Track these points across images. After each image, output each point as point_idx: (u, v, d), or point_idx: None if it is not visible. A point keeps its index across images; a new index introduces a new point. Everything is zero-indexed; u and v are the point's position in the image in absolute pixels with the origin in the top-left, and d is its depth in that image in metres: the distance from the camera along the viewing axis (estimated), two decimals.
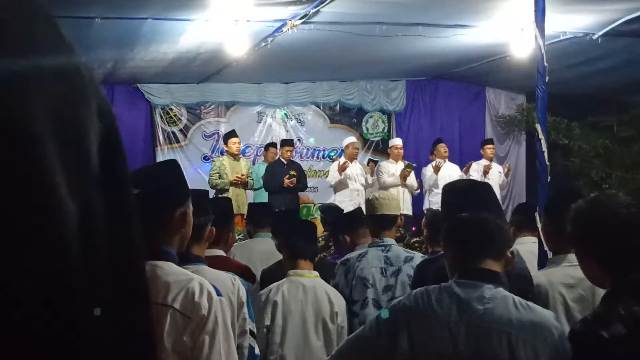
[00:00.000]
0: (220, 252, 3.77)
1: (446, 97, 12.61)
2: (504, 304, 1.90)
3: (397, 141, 10.80)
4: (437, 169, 10.15)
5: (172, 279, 2.19)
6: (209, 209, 3.07)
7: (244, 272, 3.91)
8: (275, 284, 3.76)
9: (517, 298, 1.93)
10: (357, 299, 4.00)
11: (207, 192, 3.39)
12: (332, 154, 12.06)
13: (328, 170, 10.65)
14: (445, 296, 1.99)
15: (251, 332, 3.02)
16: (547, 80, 4.37)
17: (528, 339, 1.84)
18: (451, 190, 2.11)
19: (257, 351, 3.06)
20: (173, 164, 2.43)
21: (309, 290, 3.76)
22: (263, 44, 8.41)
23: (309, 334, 3.73)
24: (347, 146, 10.26)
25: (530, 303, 1.93)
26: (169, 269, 2.21)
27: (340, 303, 3.83)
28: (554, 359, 1.85)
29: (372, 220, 4.21)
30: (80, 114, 0.57)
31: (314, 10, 7.13)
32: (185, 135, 11.68)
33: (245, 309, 2.98)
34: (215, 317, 2.17)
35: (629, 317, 1.85)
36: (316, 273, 3.85)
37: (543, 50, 4.35)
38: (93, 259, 0.56)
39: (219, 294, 2.24)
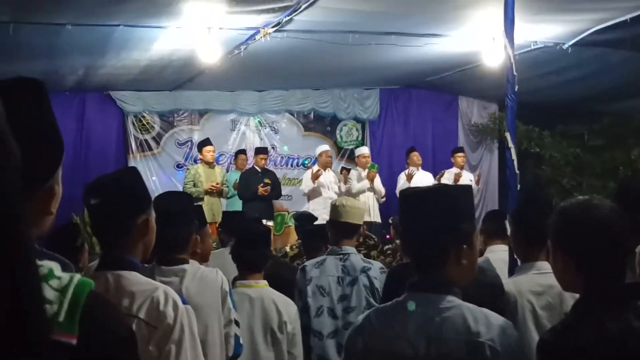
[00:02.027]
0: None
1: (419, 106, 12.67)
2: (460, 312, 1.88)
3: (364, 150, 10.84)
4: (409, 177, 10.20)
5: (137, 289, 2.17)
6: (193, 217, 3.06)
7: None
8: None
9: (471, 305, 1.91)
10: (312, 307, 4.00)
11: (190, 197, 3.24)
12: (307, 162, 12.06)
13: (302, 179, 10.64)
14: (400, 311, 1.97)
15: (236, 322, 3.03)
16: (516, 89, 4.41)
17: (486, 344, 1.82)
18: (403, 197, 2.08)
19: (242, 340, 3.08)
20: (132, 171, 2.39)
21: (255, 302, 3.69)
22: (236, 51, 8.39)
23: (257, 346, 3.67)
24: (320, 154, 10.26)
25: (485, 310, 1.91)
26: (134, 279, 2.19)
27: (289, 311, 3.77)
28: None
29: (335, 226, 4.15)
30: None
31: (287, 18, 7.13)
32: (158, 143, 11.58)
33: (229, 299, 3.01)
34: (182, 326, 2.15)
35: (599, 328, 1.84)
36: (264, 282, 3.79)
37: (512, 60, 4.39)
38: None
39: (184, 302, 2.23)
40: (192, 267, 2.94)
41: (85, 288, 1.18)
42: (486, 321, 1.86)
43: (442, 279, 1.94)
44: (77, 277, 1.19)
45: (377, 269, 4.04)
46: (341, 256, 4.05)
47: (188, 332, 2.17)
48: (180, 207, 2.90)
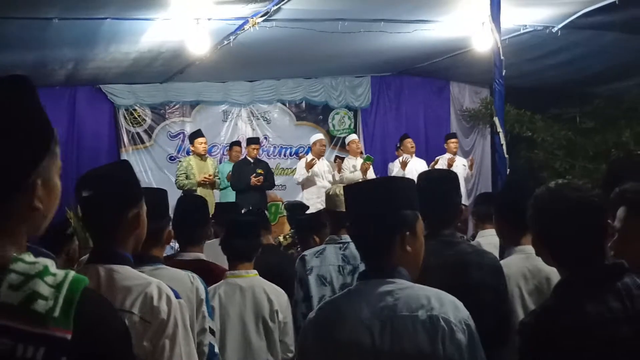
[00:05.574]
0: (201, 255, 3.75)
1: (411, 92, 12.67)
2: (412, 292, 1.93)
3: (353, 137, 10.79)
4: (404, 165, 10.17)
5: (130, 283, 2.16)
6: (167, 211, 3.04)
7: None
8: (212, 287, 3.65)
9: (422, 286, 1.96)
10: (315, 297, 3.99)
11: (165, 193, 3.21)
12: (299, 151, 12.05)
13: (295, 168, 10.63)
14: (355, 298, 2.00)
15: (211, 330, 3.00)
16: (504, 73, 4.41)
17: (440, 316, 1.86)
18: (348, 191, 2.17)
19: (216, 349, 3.05)
20: (124, 165, 2.39)
21: (246, 291, 3.70)
22: (225, 42, 8.37)
23: (249, 335, 3.69)
24: (314, 143, 10.23)
25: (436, 289, 1.95)
26: (126, 273, 2.18)
27: (280, 300, 3.78)
28: (468, 333, 1.86)
29: (332, 216, 4.11)
30: None
31: (275, 7, 7.11)
32: (150, 136, 11.55)
33: (204, 307, 2.97)
34: (175, 321, 2.15)
35: (578, 310, 1.85)
36: (255, 272, 3.79)
37: (499, 44, 4.39)
38: None
39: (177, 296, 2.22)
40: (167, 270, 2.90)
41: (80, 284, 1.21)
42: (438, 298, 1.91)
43: (390, 264, 1.99)
44: (72, 273, 1.21)
45: None
46: (340, 245, 4.01)
47: (181, 327, 2.17)
48: (152, 200, 2.87)
